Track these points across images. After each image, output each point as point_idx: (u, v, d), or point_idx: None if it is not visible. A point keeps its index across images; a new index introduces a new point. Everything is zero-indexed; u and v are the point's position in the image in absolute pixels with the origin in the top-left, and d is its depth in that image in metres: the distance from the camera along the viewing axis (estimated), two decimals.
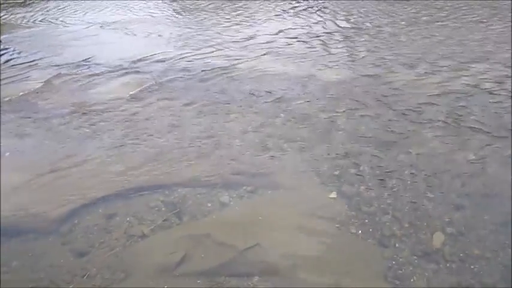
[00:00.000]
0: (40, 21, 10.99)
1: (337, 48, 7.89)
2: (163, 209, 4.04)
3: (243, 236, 3.67)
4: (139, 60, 7.46)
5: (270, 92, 6.19)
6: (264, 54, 7.65)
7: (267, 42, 8.30)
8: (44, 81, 6.86)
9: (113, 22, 10.07)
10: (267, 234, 3.69)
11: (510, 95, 5.85)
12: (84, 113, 5.74)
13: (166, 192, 4.23)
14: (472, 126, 5.16)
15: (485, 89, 6.09)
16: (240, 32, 9.05)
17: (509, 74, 6.48)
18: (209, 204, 4.06)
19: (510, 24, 8.80)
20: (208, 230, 3.74)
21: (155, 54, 7.72)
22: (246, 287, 3.25)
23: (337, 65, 7.08)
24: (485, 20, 9.27)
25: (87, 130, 5.33)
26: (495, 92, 5.98)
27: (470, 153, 4.67)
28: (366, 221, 3.82)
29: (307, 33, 8.73)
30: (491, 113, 5.43)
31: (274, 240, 3.63)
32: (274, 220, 3.86)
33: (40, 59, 7.93)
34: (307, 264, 3.40)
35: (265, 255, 3.48)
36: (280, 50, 7.89)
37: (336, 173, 4.44)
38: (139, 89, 6.37)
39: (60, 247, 3.67)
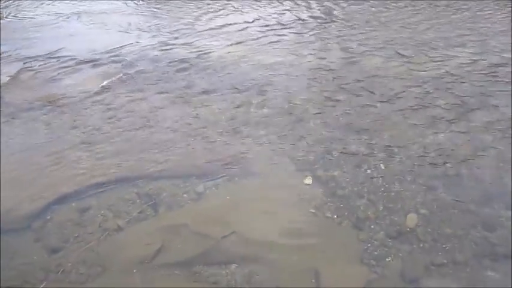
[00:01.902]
0: (6, 12, 10.63)
1: (310, 35, 7.87)
2: (138, 201, 3.99)
3: (219, 224, 3.67)
4: (109, 51, 7.30)
5: (243, 81, 6.15)
6: (237, 43, 7.58)
7: (240, 31, 8.22)
8: (12, 75, 6.66)
9: (82, 13, 9.81)
10: (243, 222, 3.70)
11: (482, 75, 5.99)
12: (53, 107, 5.60)
13: (141, 184, 4.18)
14: (442, 108, 5.25)
15: (454, 73, 6.19)
16: (212, 21, 8.93)
17: (480, 58, 6.61)
18: (185, 195, 4.04)
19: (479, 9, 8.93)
20: (185, 220, 3.73)
21: (125, 45, 7.56)
22: (224, 274, 3.26)
23: (310, 52, 7.07)
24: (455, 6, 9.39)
25: (58, 124, 5.20)
26: (464, 76, 6.09)
27: (440, 136, 4.76)
28: (341, 205, 3.87)
29: (280, 21, 8.68)
30: (459, 96, 5.54)
31: (251, 227, 3.64)
32: (250, 208, 3.87)
33: (7, 52, 7.68)
34: (283, 249, 3.43)
35: (242, 243, 3.49)
36: (253, 38, 7.82)
37: (311, 159, 4.46)
38: (109, 80, 6.24)
39: (32, 244, 3.61)
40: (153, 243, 3.50)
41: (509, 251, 3.37)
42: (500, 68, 6.24)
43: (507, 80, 5.85)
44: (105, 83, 6.16)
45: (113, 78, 6.29)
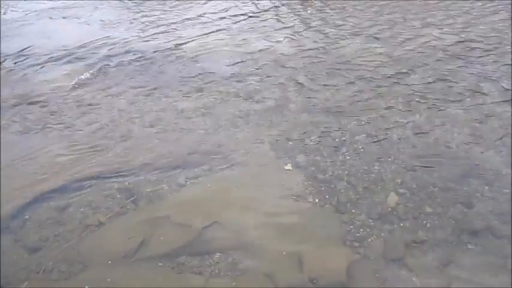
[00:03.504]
0: None
1: (286, 22, 7.85)
2: (118, 196, 3.94)
3: (201, 215, 3.65)
4: (82, 46, 7.13)
5: (221, 70, 6.11)
6: (213, 32, 7.51)
7: (216, 20, 8.14)
8: None
9: (51, 8, 9.54)
10: (225, 211, 3.69)
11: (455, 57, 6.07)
12: (27, 105, 5.46)
13: (121, 179, 4.12)
14: (419, 91, 5.31)
15: (430, 54, 6.26)
16: (187, 11, 8.81)
17: (458, 40, 6.70)
18: (165, 187, 4.00)
19: None
20: (166, 212, 3.70)
21: (98, 39, 7.39)
22: (208, 264, 3.25)
23: (286, 39, 7.05)
24: None
25: (32, 122, 5.08)
26: (440, 56, 6.17)
27: (417, 117, 4.81)
28: (322, 189, 3.89)
29: (255, 9, 8.63)
30: (437, 77, 5.61)
31: (233, 216, 3.64)
32: (231, 197, 3.86)
33: None
34: (266, 236, 3.44)
35: (224, 232, 3.48)
36: (229, 27, 7.76)
37: (291, 145, 4.47)
38: (83, 76, 6.11)
39: (12, 244, 3.52)
40: (135, 237, 3.46)
41: (486, 226, 3.44)
42: (472, 43, 6.36)
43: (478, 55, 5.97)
44: (78, 79, 6.03)
45: (87, 74, 6.17)
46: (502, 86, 5.28)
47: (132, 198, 3.89)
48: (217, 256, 3.30)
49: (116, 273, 3.19)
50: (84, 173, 4.20)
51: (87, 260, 3.33)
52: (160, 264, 3.26)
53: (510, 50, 6.19)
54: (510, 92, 5.13)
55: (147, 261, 3.29)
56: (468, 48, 6.34)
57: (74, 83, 5.96)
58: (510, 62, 5.82)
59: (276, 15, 8.24)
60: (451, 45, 6.49)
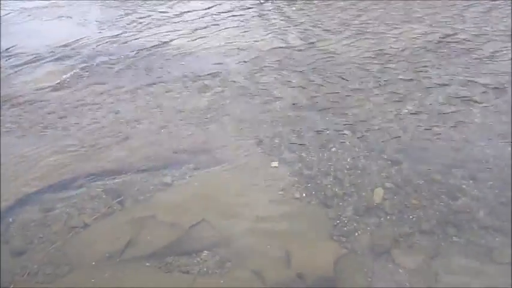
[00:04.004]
0: None
1: (270, 19, 7.84)
2: (104, 196, 3.90)
3: (188, 213, 3.63)
4: (65, 45, 7.05)
5: (206, 67, 6.08)
6: (197, 30, 7.47)
7: (200, 17, 8.10)
8: None
9: (35, 7, 9.40)
10: (212, 209, 3.68)
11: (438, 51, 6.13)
12: (10, 106, 5.37)
13: (106, 179, 4.08)
14: (404, 86, 5.34)
15: (415, 49, 6.31)
16: (171, 8, 8.75)
17: (442, 35, 6.76)
18: (151, 187, 3.97)
19: None
20: (153, 211, 3.67)
21: (81, 38, 7.31)
22: (196, 263, 3.23)
23: (270, 36, 7.04)
24: None
25: (15, 123, 5.00)
26: (424, 51, 6.22)
27: (402, 110, 4.84)
28: (309, 184, 3.90)
29: (240, 6, 8.60)
30: (421, 71, 5.65)
31: (220, 214, 3.62)
32: (218, 195, 3.85)
33: None
34: (254, 232, 3.44)
35: (212, 230, 3.47)
36: (214, 24, 7.73)
37: (277, 141, 4.47)
38: (66, 75, 6.03)
39: None
40: (121, 238, 3.43)
41: (471, 217, 3.47)
42: (450, 37, 6.43)
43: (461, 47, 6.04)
44: (62, 78, 5.96)
45: (71, 73, 6.10)
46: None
47: (118, 199, 3.86)
48: (205, 254, 3.29)
49: (103, 275, 3.16)
50: (70, 174, 4.15)
51: (73, 262, 3.29)
52: (147, 264, 3.24)
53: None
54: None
55: (134, 261, 3.26)
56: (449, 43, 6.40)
57: (57, 82, 5.88)
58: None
59: (261, 12, 8.22)
60: (434, 40, 6.53)
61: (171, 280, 3.11)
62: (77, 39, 7.29)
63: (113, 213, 3.72)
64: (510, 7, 7.65)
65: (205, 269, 3.18)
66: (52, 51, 6.89)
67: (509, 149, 4.18)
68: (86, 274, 3.18)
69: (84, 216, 3.69)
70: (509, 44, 6.24)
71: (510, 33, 6.61)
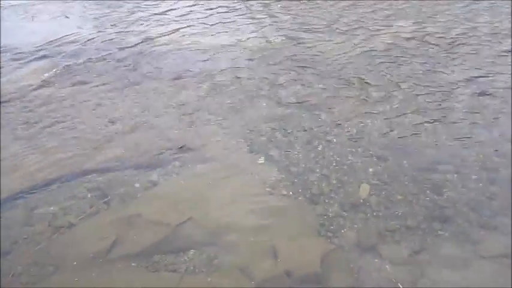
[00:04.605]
0: None
1: (256, 16, 7.82)
2: (89, 196, 3.85)
3: (175, 212, 3.61)
4: (48, 43, 6.93)
5: (190, 65, 6.04)
6: (182, 28, 7.42)
7: (185, 15, 8.05)
8: None
9: (17, 5, 9.25)
10: (199, 207, 3.66)
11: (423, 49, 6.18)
12: None
13: (91, 178, 4.03)
14: (389, 83, 5.38)
15: (399, 47, 6.35)
16: (156, 7, 8.68)
17: (427, 32, 6.81)
18: (137, 185, 3.93)
19: None
20: (139, 210, 3.64)
21: (65, 36, 7.20)
22: (183, 261, 3.22)
23: (256, 34, 7.03)
24: None
25: None
26: (406, 49, 6.27)
27: (388, 108, 4.87)
28: (296, 181, 3.90)
29: (225, 4, 8.56)
30: (406, 68, 5.69)
31: (207, 212, 3.61)
32: (205, 193, 3.83)
33: None
34: (241, 230, 3.43)
35: (199, 228, 3.45)
36: (200, 21, 7.68)
37: (263, 138, 4.46)
38: (50, 74, 5.94)
39: None
40: (107, 237, 3.39)
41: (456, 212, 3.51)
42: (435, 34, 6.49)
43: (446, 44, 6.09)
44: (45, 77, 5.87)
45: (54, 71, 6.01)
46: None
47: (104, 198, 3.82)
48: (192, 253, 3.27)
49: (89, 275, 3.13)
50: (53, 173, 4.09)
51: (58, 262, 3.24)
52: (133, 263, 3.21)
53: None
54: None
55: (120, 261, 3.23)
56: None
57: (41, 80, 5.79)
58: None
59: (246, 10, 8.20)
60: (417, 38, 6.59)
61: (158, 279, 3.09)
62: (62, 37, 7.19)
63: (99, 212, 3.68)
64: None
65: (192, 268, 3.16)
66: (35, 50, 6.78)
67: (492, 144, 4.24)
68: (71, 275, 3.14)
69: (69, 216, 3.64)
70: (492, 40, 6.32)
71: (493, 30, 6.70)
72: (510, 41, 6.32)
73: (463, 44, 6.29)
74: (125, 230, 3.46)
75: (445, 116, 4.66)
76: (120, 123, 4.83)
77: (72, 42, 7.02)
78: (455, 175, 3.89)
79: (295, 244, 3.32)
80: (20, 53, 6.70)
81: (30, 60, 6.44)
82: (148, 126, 4.75)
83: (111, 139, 4.57)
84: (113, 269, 3.18)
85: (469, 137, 4.34)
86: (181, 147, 3.99)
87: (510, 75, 5.38)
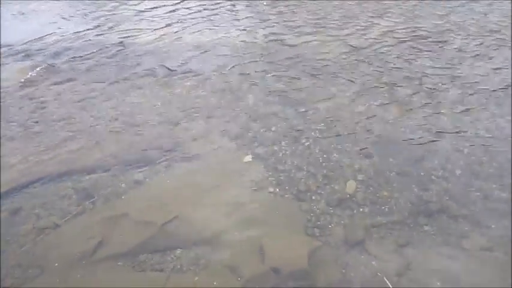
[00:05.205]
0: None
1: (240, 14, 7.79)
2: (74, 196, 3.81)
3: (161, 211, 3.59)
4: (29, 42, 6.81)
5: (175, 63, 6.00)
6: (166, 26, 7.36)
7: (169, 13, 7.98)
8: None
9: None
10: (185, 205, 3.64)
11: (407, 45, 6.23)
12: None
13: (76, 178, 3.98)
14: (374, 79, 5.41)
15: (384, 44, 6.39)
16: (139, 4, 8.59)
17: (411, 30, 6.86)
18: (123, 185, 3.90)
19: None
20: (125, 210, 3.61)
21: (47, 35, 7.09)
22: (170, 260, 3.20)
23: (240, 31, 7.00)
24: None
25: None
26: (390, 46, 6.30)
27: (374, 104, 4.90)
28: (282, 178, 3.90)
29: (209, 2, 8.50)
30: (389, 64, 5.73)
31: (194, 210, 3.59)
32: (192, 191, 3.81)
33: None
34: (228, 228, 3.42)
35: (185, 227, 3.44)
36: (183, 19, 7.62)
37: (250, 136, 4.45)
38: (32, 73, 5.85)
39: None
40: (92, 237, 3.36)
41: (441, 207, 3.55)
42: (418, 32, 6.54)
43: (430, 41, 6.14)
44: (27, 76, 5.78)
45: (36, 71, 5.92)
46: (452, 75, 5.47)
47: (89, 198, 3.78)
48: (179, 251, 3.26)
49: (74, 276, 3.09)
50: (37, 173, 4.03)
51: (43, 264, 3.20)
52: (119, 263, 3.19)
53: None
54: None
55: (106, 261, 3.20)
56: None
57: (23, 80, 5.70)
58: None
59: (231, 8, 8.16)
60: (403, 34, 6.64)
61: (144, 279, 3.07)
62: (42, 36, 7.08)
63: (84, 212, 3.64)
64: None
65: (179, 266, 3.15)
66: (15, 49, 6.67)
67: (476, 139, 4.29)
68: (56, 276, 3.10)
69: (53, 217, 3.60)
70: (477, 37, 6.40)
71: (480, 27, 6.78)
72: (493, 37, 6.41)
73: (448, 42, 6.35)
74: (111, 230, 3.42)
75: (429, 111, 4.70)
76: (104, 122, 4.77)
77: (54, 41, 6.89)
78: (440, 171, 3.93)
79: (283, 241, 3.32)
80: (0, 52, 6.58)
81: (12, 60, 6.31)
82: (132, 126, 4.70)
83: (95, 139, 4.51)
84: (99, 269, 3.15)
85: (453, 133, 4.39)
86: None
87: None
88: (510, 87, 5.07)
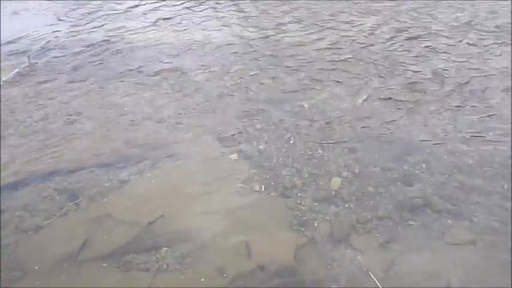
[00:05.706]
0: None
1: (225, 11, 7.77)
2: (57, 197, 3.75)
3: (146, 210, 3.56)
4: (11, 41, 6.72)
5: (160, 61, 5.96)
6: (152, 24, 7.30)
7: (153, 10, 7.92)
8: None
9: None
10: (171, 205, 3.62)
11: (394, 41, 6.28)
12: None
13: (58, 178, 3.93)
14: (358, 76, 5.43)
15: (369, 41, 6.43)
16: (124, 2, 8.50)
17: (397, 27, 6.92)
18: (107, 184, 3.86)
19: None
20: (109, 210, 3.57)
21: (29, 33, 6.99)
22: (155, 260, 3.18)
23: (226, 29, 6.99)
24: None
25: None
26: (376, 43, 6.35)
27: (359, 101, 4.93)
28: (268, 176, 3.90)
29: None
30: (374, 61, 5.77)
31: (179, 209, 3.58)
32: (177, 190, 3.79)
33: None
34: (214, 226, 3.41)
35: (171, 226, 3.42)
36: (168, 17, 7.57)
37: (235, 134, 4.44)
38: (14, 72, 5.75)
39: None
40: (76, 239, 3.32)
41: (426, 202, 3.58)
42: (404, 30, 6.62)
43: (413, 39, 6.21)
44: (9, 76, 5.69)
45: (18, 70, 5.82)
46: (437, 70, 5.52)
47: (72, 198, 3.73)
48: (165, 251, 3.24)
49: (58, 278, 3.05)
50: (19, 174, 3.97)
51: (25, 266, 3.16)
52: (104, 264, 3.15)
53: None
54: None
55: (91, 262, 3.17)
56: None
57: (4, 80, 5.61)
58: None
59: (216, 5, 8.13)
60: (388, 32, 6.69)
61: (130, 279, 3.04)
62: (24, 35, 6.97)
63: (67, 213, 3.59)
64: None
65: (165, 266, 3.13)
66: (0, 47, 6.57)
67: (458, 134, 4.34)
68: (40, 278, 3.06)
69: (36, 219, 3.54)
70: (457, 36, 6.48)
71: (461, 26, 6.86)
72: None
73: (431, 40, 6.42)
74: (95, 231, 3.39)
75: (412, 108, 4.74)
76: (87, 121, 4.72)
77: (38, 39, 6.81)
78: (424, 165, 3.96)
79: (268, 238, 3.32)
80: None
81: None
82: (116, 124, 4.66)
83: (79, 138, 4.46)
84: (83, 270, 3.11)
85: (437, 129, 4.43)
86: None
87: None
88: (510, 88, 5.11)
